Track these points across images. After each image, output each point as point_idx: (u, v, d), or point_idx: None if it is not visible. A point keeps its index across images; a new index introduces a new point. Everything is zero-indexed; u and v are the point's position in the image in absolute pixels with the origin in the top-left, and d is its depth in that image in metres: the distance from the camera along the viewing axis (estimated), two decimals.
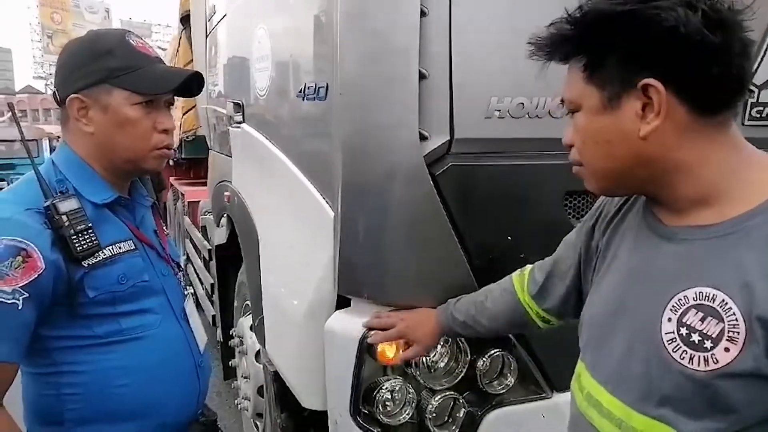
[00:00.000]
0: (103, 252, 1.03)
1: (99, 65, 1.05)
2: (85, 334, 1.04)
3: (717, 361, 0.66)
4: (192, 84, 1.16)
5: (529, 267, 1.16)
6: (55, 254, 0.97)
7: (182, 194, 4.64)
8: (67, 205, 0.99)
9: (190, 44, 3.58)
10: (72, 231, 0.98)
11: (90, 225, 1.01)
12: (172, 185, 5.36)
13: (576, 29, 0.72)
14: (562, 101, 0.81)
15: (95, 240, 1.01)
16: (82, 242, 0.99)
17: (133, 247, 1.10)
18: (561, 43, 0.75)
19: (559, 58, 0.77)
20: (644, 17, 0.66)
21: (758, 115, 1.51)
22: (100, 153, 1.09)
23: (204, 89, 3.14)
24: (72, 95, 1.05)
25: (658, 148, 0.71)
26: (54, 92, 1.09)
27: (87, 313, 1.03)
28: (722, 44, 0.66)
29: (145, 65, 1.08)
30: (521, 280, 1.16)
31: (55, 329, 1.02)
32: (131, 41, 1.09)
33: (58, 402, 1.05)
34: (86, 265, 1.00)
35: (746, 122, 1.51)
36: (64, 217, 0.98)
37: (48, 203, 0.98)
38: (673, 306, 0.72)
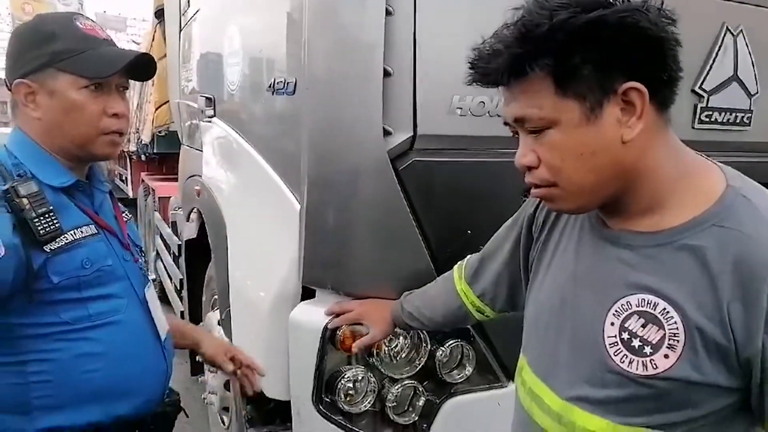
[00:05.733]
0: (65, 236, 1.02)
1: (43, 49, 1.03)
2: (53, 321, 1.02)
3: (656, 367, 0.70)
4: (145, 66, 1.12)
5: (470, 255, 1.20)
6: (16, 238, 0.96)
7: (153, 190, 4.58)
8: (27, 188, 0.98)
9: (165, 39, 3.55)
10: (34, 213, 0.97)
11: (51, 208, 1.00)
12: (143, 180, 5.29)
13: (538, 47, 0.68)
14: (514, 122, 0.75)
15: (57, 223, 1.00)
16: (45, 225, 0.98)
17: (95, 231, 1.09)
18: (517, 63, 0.69)
19: (509, 79, 0.72)
20: (615, 22, 0.65)
21: (707, 119, 1.59)
22: (50, 138, 1.07)
23: (177, 84, 3.15)
24: (18, 80, 1.04)
25: (635, 153, 0.71)
26: (5, 78, 1.07)
27: (53, 299, 1.02)
28: (677, 41, 0.69)
29: (92, 47, 1.05)
30: (460, 268, 1.20)
31: (21, 317, 1.01)
32: (78, 23, 1.06)
33: (25, 391, 1.03)
34: (48, 250, 0.99)
35: (696, 126, 1.58)
36: (25, 200, 0.97)
37: (7, 186, 0.97)
38: (616, 311, 0.74)
